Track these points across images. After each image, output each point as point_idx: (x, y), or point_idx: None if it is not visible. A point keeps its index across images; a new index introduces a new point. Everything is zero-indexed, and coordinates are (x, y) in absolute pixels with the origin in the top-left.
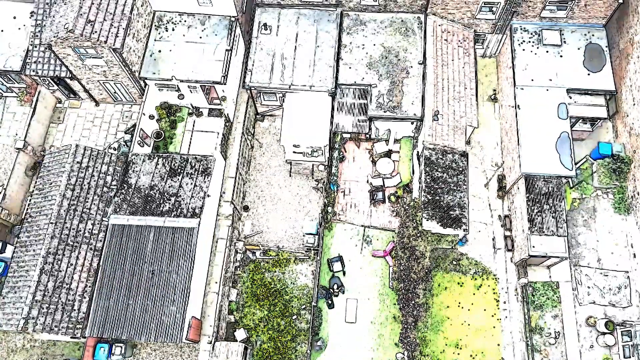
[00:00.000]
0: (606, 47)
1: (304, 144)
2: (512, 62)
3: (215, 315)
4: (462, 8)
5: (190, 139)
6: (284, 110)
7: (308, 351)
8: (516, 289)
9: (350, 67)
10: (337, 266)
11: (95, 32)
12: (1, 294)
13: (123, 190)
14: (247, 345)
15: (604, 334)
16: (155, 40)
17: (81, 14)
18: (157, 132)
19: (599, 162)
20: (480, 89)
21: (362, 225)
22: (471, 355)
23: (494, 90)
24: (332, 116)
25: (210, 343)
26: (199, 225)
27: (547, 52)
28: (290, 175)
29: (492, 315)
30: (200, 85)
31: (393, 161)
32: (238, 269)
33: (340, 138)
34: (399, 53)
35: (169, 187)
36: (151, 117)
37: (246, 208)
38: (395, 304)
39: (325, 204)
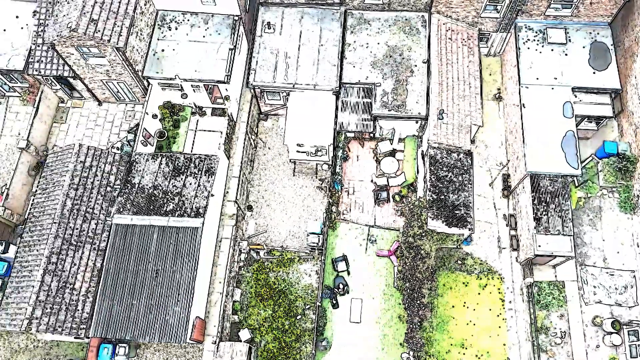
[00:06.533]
0: (611, 45)
1: (308, 143)
2: (517, 61)
3: (219, 315)
4: (466, 6)
5: (194, 138)
6: (287, 110)
7: (312, 351)
8: (522, 289)
9: (354, 66)
10: (341, 266)
11: (99, 31)
12: (4, 294)
13: (126, 190)
14: (251, 346)
15: (610, 333)
16: (158, 39)
17: (84, 13)
18: (160, 131)
19: (604, 161)
20: (485, 87)
21: (366, 225)
22: (477, 355)
23: (498, 89)
24: (336, 115)
25: (215, 343)
26: (202, 225)
27: (552, 50)
28: (294, 175)
29: (498, 315)
30: (204, 85)
31: (397, 160)
32: (242, 268)
33: (344, 137)
34: (403, 52)
35: (173, 186)
36: (154, 116)
37: (250, 208)
38: (400, 304)
39: (329, 203)
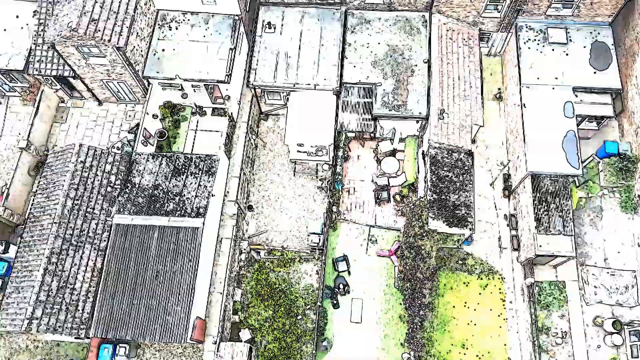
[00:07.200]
0: (612, 45)
1: (308, 143)
2: (518, 61)
3: (219, 316)
4: (467, 6)
5: (194, 138)
6: (288, 109)
7: (313, 351)
8: (522, 289)
9: (354, 66)
10: (342, 266)
11: (99, 30)
12: (5, 294)
13: (127, 190)
14: (252, 346)
15: (611, 333)
16: (158, 39)
17: (85, 13)
18: (160, 131)
19: (605, 160)
20: (485, 87)
21: (367, 225)
22: (477, 356)
23: (499, 89)
24: (336, 115)
25: (215, 343)
26: (203, 224)
27: (552, 50)
28: (294, 175)
29: (499, 315)
30: (204, 85)
31: (398, 160)
32: (242, 268)
33: (345, 137)
34: (403, 52)
35: (173, 186)
36: (154, 116)
37: (250, 208)
38: (400, 304)
39: (329, 203)
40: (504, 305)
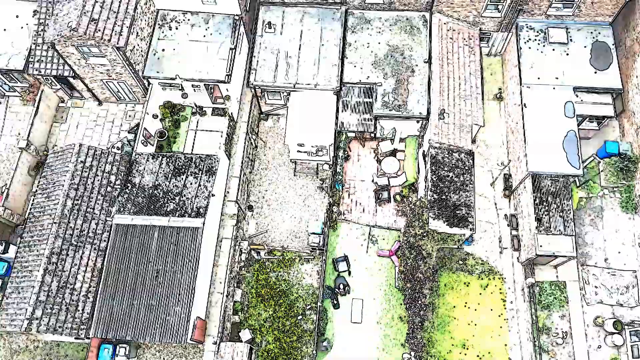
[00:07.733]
0: (613, 45)
1: (309, 143)
2: (518, 61)
3: (220, 316)
4: (467, 6)
5: (194, 138)
6: (288, 109)
7: (314, 352)
8: (523, 289)
9: (355, 66)
10: (342, 266)
11: (99, 30)
12: (4, 294)
13: (127, 190)
14: (252, 346)
15: (612, 334)
16: (158, 39)
17: (85, 12)
18: (160, 131)
19: (605, 160)
20: (486, 87)
21: (367, 225)
22: (478, 356)
23: (499, 88)
24: (336, 115)
25: (215, 344)
26: (203, 224)
27: (553, 50)
28: (294, 175)
29: (499, 316)
30: (204, 84)
31: (398, 160)
32: (243, 268)
33: (345, 137)
34: (404, 51)
35: (173, 186)
36: (154, 116)
37: (250, 208)
38: (401, 304)
39: (330, 203)
40: (504, 305)
